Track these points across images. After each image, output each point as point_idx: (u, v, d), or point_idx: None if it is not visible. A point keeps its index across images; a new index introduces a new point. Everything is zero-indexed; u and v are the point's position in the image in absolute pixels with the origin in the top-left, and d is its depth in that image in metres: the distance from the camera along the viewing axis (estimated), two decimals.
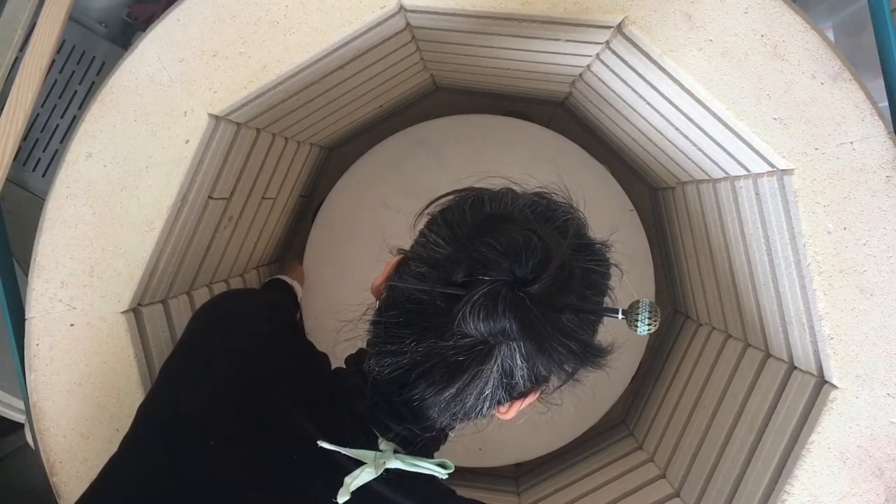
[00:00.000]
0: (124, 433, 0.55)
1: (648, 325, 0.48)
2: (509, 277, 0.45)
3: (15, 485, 1.30)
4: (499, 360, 0.47)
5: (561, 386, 0.53)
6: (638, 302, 0.49)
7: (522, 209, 0.52)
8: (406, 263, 0.53)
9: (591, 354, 0.48)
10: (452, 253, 0.49)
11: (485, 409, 0.50)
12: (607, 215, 1.15)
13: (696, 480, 0.85)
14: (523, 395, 0.51)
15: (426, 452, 0.54)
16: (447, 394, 0.48)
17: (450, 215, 0.53)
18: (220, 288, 0.94)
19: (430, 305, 0.48)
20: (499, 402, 0.51)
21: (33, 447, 0.74)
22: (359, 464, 0.50)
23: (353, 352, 0.59)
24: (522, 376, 0.48)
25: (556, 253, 0.46)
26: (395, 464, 0.51)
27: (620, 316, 0.49)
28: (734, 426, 0.81)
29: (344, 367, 0.59)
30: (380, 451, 0.51)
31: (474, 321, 0.44)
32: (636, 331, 0.48)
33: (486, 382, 0.48)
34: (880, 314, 0.65)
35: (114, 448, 0.54)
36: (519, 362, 0.47)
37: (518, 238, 0.46)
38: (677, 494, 0.88)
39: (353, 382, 0.54)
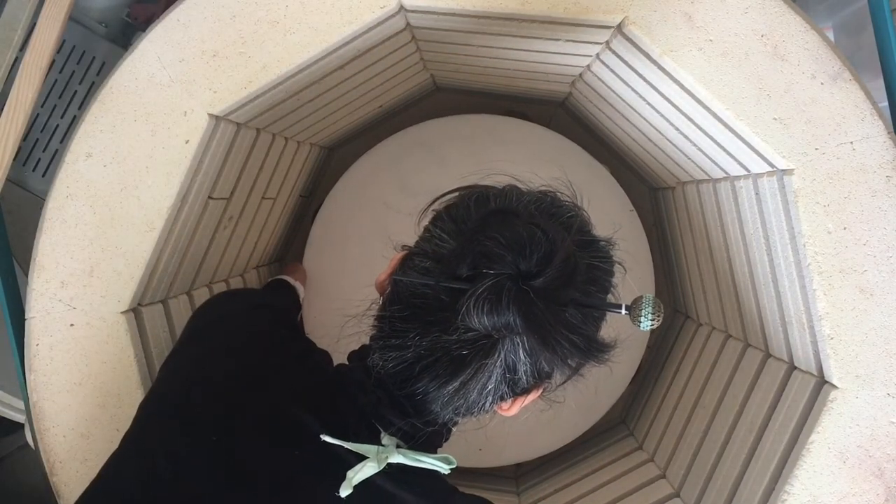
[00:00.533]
0: (124, 433, 0.55)
1: (652, 320, 0.48)
2: (513, 271, 0.45)
3: (15, 485, 1.30)
4: (502, 355, 0.47)
5: (565, 382, 0.53)
6: (641, 297, 0.49)
7: (527, 205, 0.52)
8: (410, 259, 0.54)
9: (595, 349, 0.48)
10: (457, 247, 0.49)
11: (487, 404, 0.51)
12: (607, 215, 1.15)
13: (696, 480, 0.85)
14: (526, 391, 0.51)
15: (429, 447, 0.54)
16: (450, 387, 0.48)
17: (455, 211, 0.53)
18: (220, 288, 0.94)
19: (434, 300, 0.48)
20: (501, 398, 0.51)
21: (33, 447, 0.74)
22: (361, 458, 0.50)
23: (356, 348, 0.59)
24: (525, 371, 0.48)
25: (561, 247, 0.46)
26: (397, 458, 0.51)
27: (624, 311, 0.49)
28: (734, 426, 0.81)
29: (346, 363, 0.59)
30: (382, 445, 0.51)
31: (478, 315, 0.44)
32: (639, 326, 0.48)
33: (490, 377, 0.48)
34: (880, 314, 0.65)
35: (114, 448, 0.54)
36: (522, 357, 0.47)
37: (522, 232, 0.46)
38: (677, 494, 0.88)
39: (357, 378, 0.55)
